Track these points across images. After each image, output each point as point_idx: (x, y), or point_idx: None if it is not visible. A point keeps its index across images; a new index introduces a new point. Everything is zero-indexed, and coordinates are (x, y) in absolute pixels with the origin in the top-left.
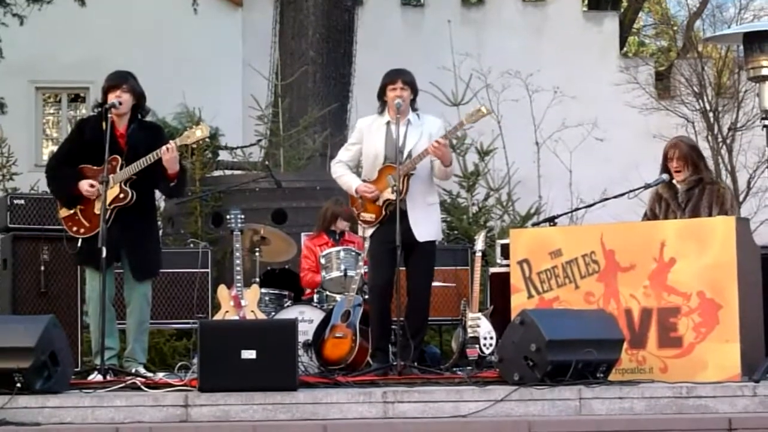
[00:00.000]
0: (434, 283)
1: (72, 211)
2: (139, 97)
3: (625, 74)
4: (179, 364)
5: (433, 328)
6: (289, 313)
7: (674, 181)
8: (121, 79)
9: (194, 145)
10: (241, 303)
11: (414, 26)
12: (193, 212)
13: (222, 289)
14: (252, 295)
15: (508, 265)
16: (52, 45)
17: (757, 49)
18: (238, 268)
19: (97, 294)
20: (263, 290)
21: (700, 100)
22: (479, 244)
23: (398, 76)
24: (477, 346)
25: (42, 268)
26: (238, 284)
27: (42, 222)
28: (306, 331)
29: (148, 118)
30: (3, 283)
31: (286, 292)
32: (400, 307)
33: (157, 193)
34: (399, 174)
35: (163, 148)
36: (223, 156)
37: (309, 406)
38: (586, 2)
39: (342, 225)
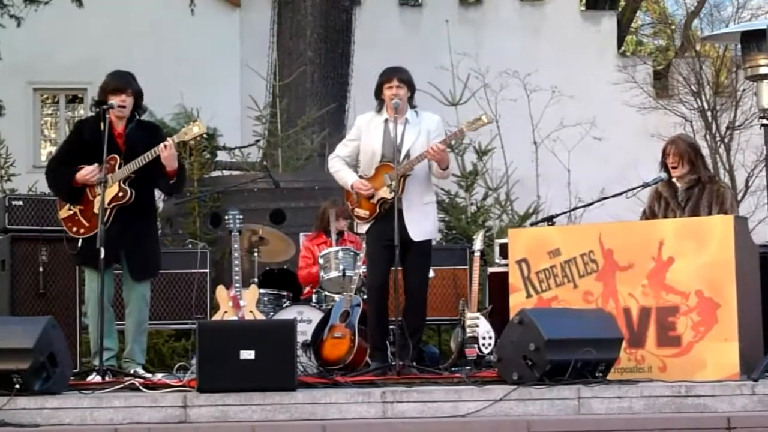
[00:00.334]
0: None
1: (71, 212)
2: (138, 96)
3: (623, 73)
4: (178, 364)
5: (432, 328)
6: (287, 313)
7: (674, 180)
8: (126, 83)
9: (192, 142)
10: (240, 303)
11: (412, 26)
12: (192, 213)
13: (221, 290)
14: (250, 295)
15: (506, 265)
16: (50, 46)
17: (755, 47)
18: (236, 269)
19: (96, 295)
20: (262, 290)
21: (698, 99)
22: (478, 243)
23: (394, 74)
24: (476, 345)
25: (40, 269)
26: (237, 284)
27: (40, 223)
28: (305, 332)
29: (146, 118)
30: (1, 284)
31: (285, 293)
32: (398, 307)
33: (156, 194)
34: (396, 174)
35: (161, 145)
36: (222, 156)
37: (308, 407)
38: (583, 1)
39: (340, 225)
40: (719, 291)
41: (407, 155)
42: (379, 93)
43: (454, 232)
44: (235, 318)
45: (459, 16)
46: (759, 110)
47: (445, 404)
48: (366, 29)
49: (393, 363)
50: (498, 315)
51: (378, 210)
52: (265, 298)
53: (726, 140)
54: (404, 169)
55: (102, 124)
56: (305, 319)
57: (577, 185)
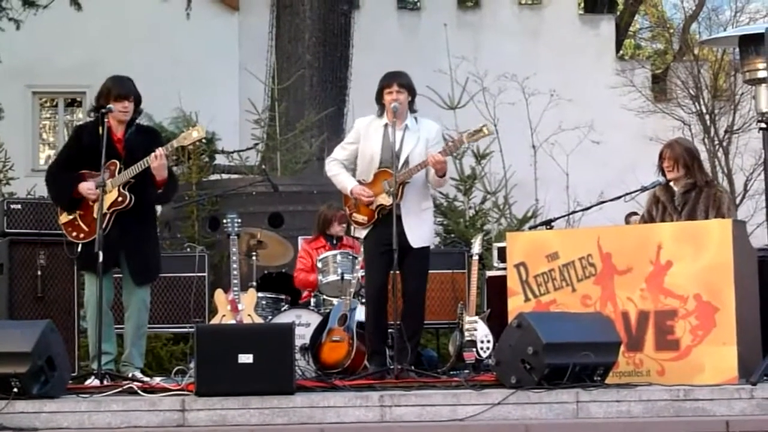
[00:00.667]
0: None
1: (72, 217)
2: (138, 102)
3: (622, 77)
4: (176, 368)
5: (430, 332)
6: (286, 317)
7: (671, 184)
8: (128, 90)
9: (191, 146)
10: (238, 307)
11: (410, 30)
12: (190, 216)
13: (219, 293)
14: (249, 299)
15: (504, 269)
16: (49, 49)
17: (753, 51)
18: (235, 272)
19: (96, 299)
20: (260, 294)
21: (697, 103)
22: (476, 247)
23: (394, 79)
24: (474, 349)
25: (39, 272)
26: (235, 288)
27: (39, 227)
28: (303, 335)
29: (143, 121)
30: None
31: (283, 296)
32: (396, 311)
33: None
34: (395, 181)
35: (152, 155)
36: (220, 160)
37: (306, 410)
38: (582, 5)
39: (337, 229)
40: (717, 295)
41: (406, 161)
42: (379, 97)
43: (452, 235)
44: (234, 322)
45: (457, 19)
46: (757, 114)
47: (444, 408)
48: (364, 33)
49: (391, 367)
50: (496, 319)
51: (376, 216)
52: (264, 302)
53: (724, 144)
54: (404, 177)
55: (101, 129)
56: (303, 322)
57: (576, 189)
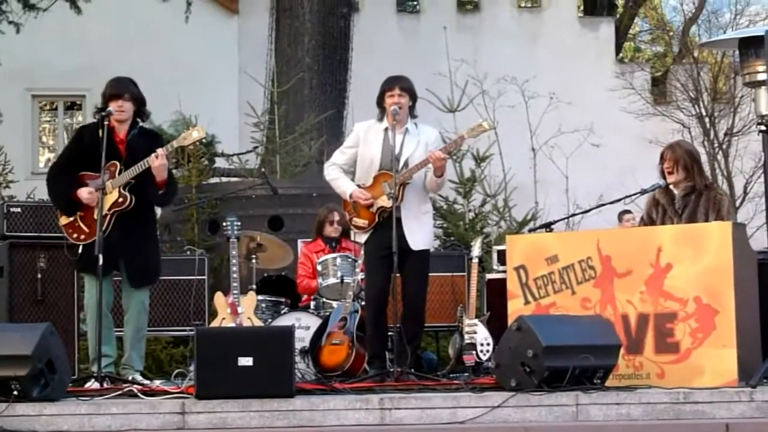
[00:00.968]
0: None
1: (72, 218)
2: (139, 103)
3: (621, 80)
4: (176, 371)
5: (430, 335)
6: (285, 319)
7: (671, 187)
8: (123, 89)
9: (191, 149)
10: (238, 310)
11: (410, 33)
12: (190, 219)
13: (219, 296)
14: (249, 302)
15: (504, 271)
16: (48, 53)
17: (753, 54)
18: (234, 275)
19: (95, 301)
20: (260, 297)
21: (696, 106)
22: (476, 250)
23: (396, 83)
24: (474, 352)
25: (39, 275)
26: (235, 291)
27: (39, 230)
28: (303, 338)
29: (145, 125)
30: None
31: (283, 299)
32: (396, 314)
33: None
34: (396, 182)
35: (152, 155)
36: (220, 163)
37: (306, 413)
38: (581, 8)
39: (329, 230)
40: (717, 297)
41: (406, 165)
42: (380, 101)
43: (452, 238)
44: (233, 325)
45: (457, 22)
46: (757, 117)
47: (444, 411)
48: (364, 36)
49: (391, 369)
50: (496, 321)
51: (377, 219)
52: (263, 305)
53: (724, 147)
54: (404, 177)
55: (101, 131)
56: (303, 325)
57: (575, 192)
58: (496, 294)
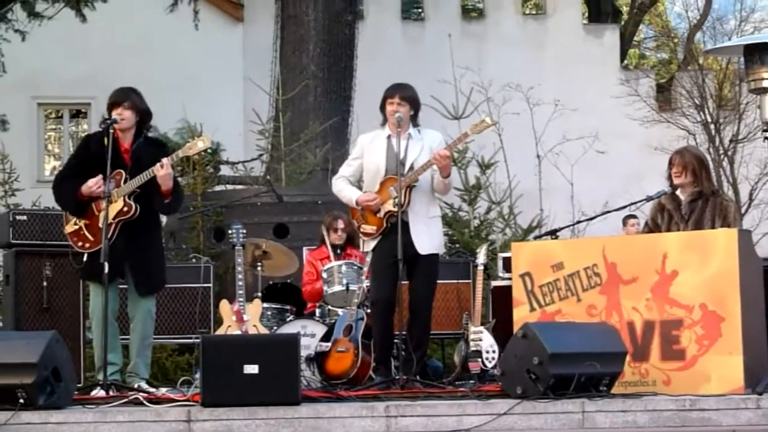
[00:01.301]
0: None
1: (77, 227)
2: (142, 113)
3: (626, 87)
4: (182, 379)
5: (436, 342)
6: (291, 327)
7: (677, 193)
8: (122, 97)
9: (196, 157)
10: (244, 318)
11: (414, 40)
12: (195, 227)
13: (224, 304)
14: (254, 309)
15: (510, 279)
16: (54, 61)
17: (758, 61)
18: (240, 283)
19: (101, 309)
20: (265, 305)
21: (701, 112)
22: (481, 257)
23: (396, 91)
24: (479, 359)
25: (44, 283)
26: (240, 299)
27: (44, 238)
28: (308, 346)
29: (150, 133)
30: (5, 298)
31: (288, 307)
32: (402, 321)
33: None
34: (401, 186)
35: (158, 164)
36: (225, 171)
37: (311, 421)
38: (586, 15)
39: (333, 237)
40: (723, 304)
41: (411, 169)
42: (383, 107)
43: (457, 245)
44: (239, 332)
45: (461, 29)
46: (762, 123)
47: (449, 418)
48: (369, 43)
49: (397, 377)
50: (501, 329)
51: (385, 224)
52: (269, 312)
53: (729, 153)
54: (409, 180)
55: (106, 139)
56: (309, 333)
57: (581, 199)
58: (501, 301)
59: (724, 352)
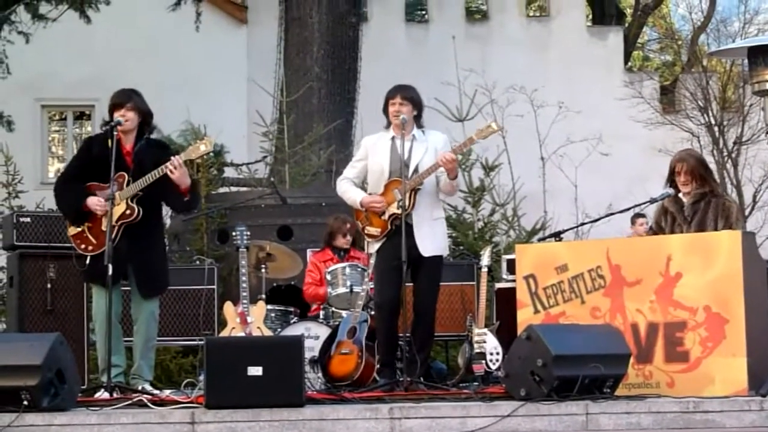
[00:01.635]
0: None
1: (80, 229)
2: (145, 114)
3: (630, 89)
4: (186, 381)
5: (440, 344)
6: (295, 329)
7: (680, 195)
8: (125, 98)
9: (199, 160)
10: (248, 319)
11: (418, 42)
12: (199, 229)
13: (228, 306)
14: (258, 311)
15: (514, 281)
16: (58, 63)
17: (762, 63)
18: (244, 285)
19: (104, 311)
20: (269, 307)
21: (705, 115)
22: (485, 259)
23: (398, 92)
24: (483, 361)
25: (48, 285)
26: (244, 301)
27: (48, 240)
28: (312, 348)
29: (153, 136)
30: (10, 300)
31: (292, 309)
32: (406, 323)
33: (164, 210)
34: (404, 188)
35: (169, 165)
36: (229, 173)
37: (315, 423)
38: (590, 17)
39: (341, 242)
40: (727, 306)
41: (416, 170)
42: (386, 109)
43: (461, 247)
44: (243, 334)
45: (465, 31)
46: (766, 125)
47: (453, 420)
48: (373, 45)
49: (401, 379)
50: (505, 331)
51: (390, 227)
52: (273, 315)
53: (733, 155)
54: (415, 183)
55: (109, 141)
56: (313, 335)
57: (584, 201)
58: (505, 303)
59: (727, 354)
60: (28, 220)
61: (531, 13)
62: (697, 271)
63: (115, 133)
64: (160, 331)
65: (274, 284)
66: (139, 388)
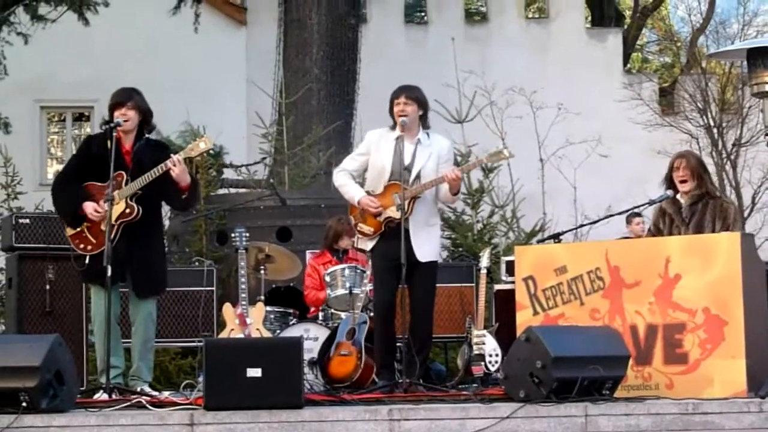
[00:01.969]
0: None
1: (79, 229)
2: (145, 113)
3: (629, 90)
4: (185, 382)
5: (439, 346)
6: (294, 330)
7: (678, 197)
8: (125, 97)
9: (198, 158)
10: (247, 321)
11: (418, 43)
12: (198, 230)
13: (227, 308)
14: (257, 313)
15: (513, 282)
16: (57, 64)
17: (761, 64)
18: (243, 286)
19: (102, 312)
20: (268, 308)
21: (704, 116)
22: (484, 261)
23: (402, 92)
24: (482, 363)
25: (47, 287)
26: (243, 302)
27: (47, 241)
28: (311, 349)
29: (152, 136)
30: (8, 302)
31: (291, 310)
32: (404, 325)
33: (163, 211)
34: (404, 197)
35: (169, 163)
36: (228, 174)
37: (315, 424)
38: (589, 19)
39: (345, 243)
40: (726, 308)
41: (418, 176)
42: (392, 111)
43: (460, 249)
44: (242, 336)
45: (465, 33)
46: (765, 127)
47: (452, 422)
48: (372, 47)
49: (400, 381)
50: (504, 332)
51: (383, 228)
52: (272, 316)
53: (732, 157)
54: (415, 192)
55: (109, 141)
56: (312, 336)
57: (583, 202)
58: (504, 305)
59: (727, 355)
60: (27, 221)
61: (530, 15)
62: (696, 273)
63: (114, 133)
64: (159, 332)
65: (273, 286)
66: (138, 389)
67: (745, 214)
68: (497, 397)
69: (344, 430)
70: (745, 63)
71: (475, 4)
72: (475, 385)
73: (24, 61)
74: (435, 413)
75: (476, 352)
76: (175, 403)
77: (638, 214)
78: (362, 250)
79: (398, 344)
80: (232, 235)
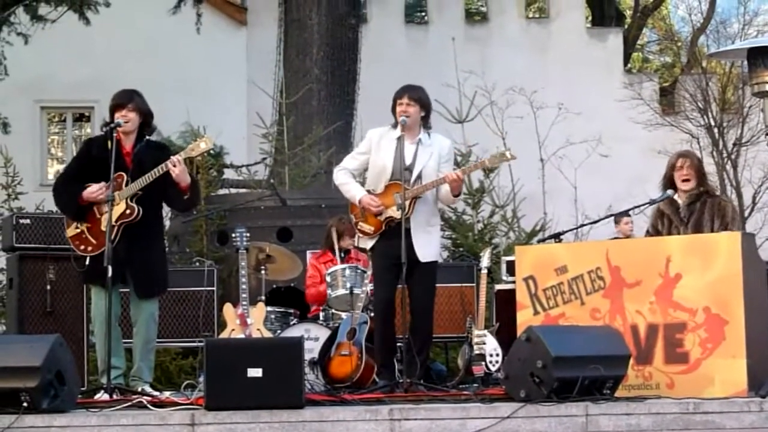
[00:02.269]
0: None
1: (79, 230)
2: (145, 115)
3: (630, 90)
4: (185, 382)
5: (439, 345)
6: (294, 330)
7: (676, 197)
8: (126, 98)
9: (199, 158)
10: (247, 321)
11: (418, 44)
12: (199, 231)
13: (228, 308)
14: (258, 313)
15: (513, 282)
16: (57, 64)
17: (762, 64)
18: (243, 287)
19: (103, 313)
20: (269, 308)
21: (705, 116)
22: (485, 261)
23: (405, 92)
24: (483, 363)
25: (48, 287)
26: (244, 302)
27: (48, 241)
28: (312, 349)
29: (152, 137)
30: (9, 302)
31: (292, 310)
32: (405, 324)
33: (164, 212)
34: (404, 194)
35: (169, 163)
36: (228, 174)
37: (315, 424)
38: (589, 18)
39: (346, 243)
40: (727, 307)
41: (419, 176)
42: (393, 109)
43: (461, 249)
44: (243, 336)
45: (465, 33)
46: (766, 127)
47: (453, 422)
48: (372, 47)
49: (400, 380)
50: (505, 332)
51: (383, 227)
52: (273, 316)
53: (733, 157)
54: (416, 192)
55: (109, 143)
56: (312, 336)
57: (584, 202)
58: (505, 305)
59: (727, 355)
60: (28, 221)
61: (530, 15)
62: (696, 273)
63: (114, 134)
64: (160, 332)
65: (274, 286)
66: (139, 389)
67: (746, 214)
68: (498, 396)
69: (345, 430)
70: (745, 63)
71: (475, 4)
72: (475, 385)
73: (24, 62)
74: (435, 413)
75: (477, 352)
76: (176, 404)
77: (627, 214)
78: (362, 249)
79: (399, 344)
80: (233, 235)
